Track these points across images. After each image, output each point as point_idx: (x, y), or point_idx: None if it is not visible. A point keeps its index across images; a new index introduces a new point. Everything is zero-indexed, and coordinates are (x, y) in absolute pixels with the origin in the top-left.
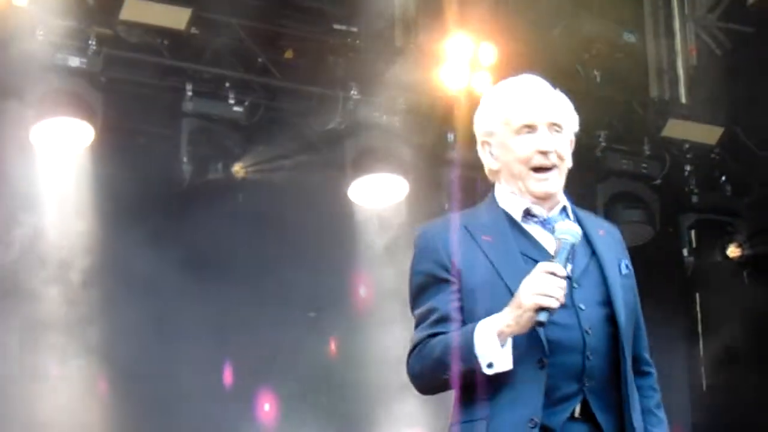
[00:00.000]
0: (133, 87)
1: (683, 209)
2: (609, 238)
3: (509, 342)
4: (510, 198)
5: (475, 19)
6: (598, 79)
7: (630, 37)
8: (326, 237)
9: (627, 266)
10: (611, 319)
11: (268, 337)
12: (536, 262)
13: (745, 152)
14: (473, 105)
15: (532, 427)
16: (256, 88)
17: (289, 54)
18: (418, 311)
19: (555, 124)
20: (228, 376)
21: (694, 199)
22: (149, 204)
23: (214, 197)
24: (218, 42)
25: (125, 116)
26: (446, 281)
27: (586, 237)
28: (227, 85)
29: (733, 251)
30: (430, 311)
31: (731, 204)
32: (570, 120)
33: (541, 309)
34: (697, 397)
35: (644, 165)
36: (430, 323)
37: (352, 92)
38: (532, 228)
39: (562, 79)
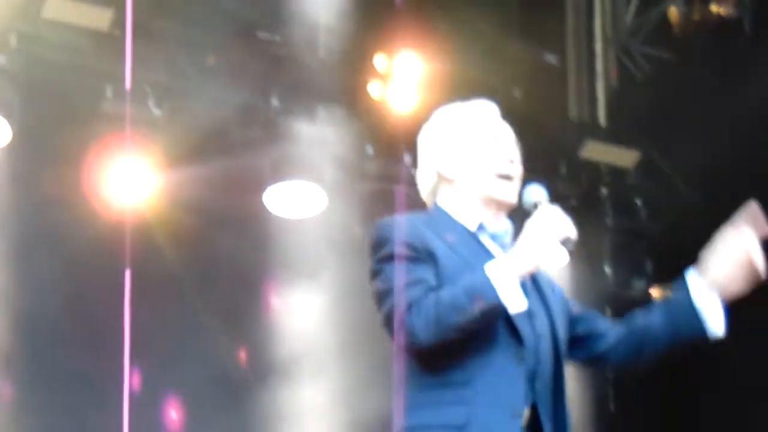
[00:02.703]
0: (53, 87)
1: (599, 231)
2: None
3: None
4: (464, 210)
5: (400, 34)
6: (519, 98)
7: (552, 58)
8: (241, 244)
9: (561, 291)
10: (554, 336)
11: (177, 343)
12: None
13: (661, 177)
14: (394, 119)
15: (517, 417)
16: (176, 92)
17: (211, 59)
18: (396, 282)
19: (517, 149)
20: (135, 382)
21: (609, 222)
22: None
23: None
24: (140, 44)
25: (44, 116)
26: (424, 261)
27: None
28: (148, 88)
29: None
30: (419, 281)
31: (646, 228)
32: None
33: (563, 240)
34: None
35: (560, 185)
36: (422, 288)
37: (273, 100)
38: (485, 239)
39: (483, 96)
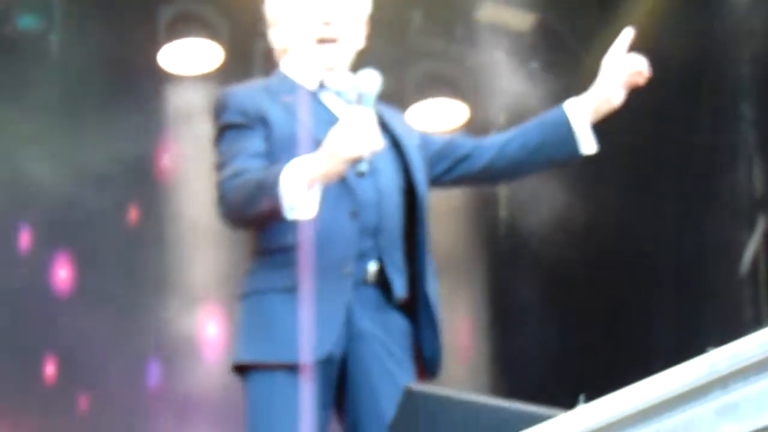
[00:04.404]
0: None
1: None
2: (399, 116)
3: (317, 190)
4: (303, 71)
5: None
6: None
7: None
8: (132, 100)
9: (420, 137)
10: (403, 189)
11: (66, 201)
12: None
13: (557, 41)
14: None
15: (346, 277)
16: None
17: None
18: (227, 153)
19: (343, 5)
20: (24, 241)
21: (505, 84)
22: None
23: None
24: None
25: None
26: (253, 128)
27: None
28: None
29: None
30: (243, 149)
31: (541, 92)
32: (360, 2)
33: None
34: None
35: (456, 47)
36: (247, 156)
37: None
38: (327, 98)
39: None
